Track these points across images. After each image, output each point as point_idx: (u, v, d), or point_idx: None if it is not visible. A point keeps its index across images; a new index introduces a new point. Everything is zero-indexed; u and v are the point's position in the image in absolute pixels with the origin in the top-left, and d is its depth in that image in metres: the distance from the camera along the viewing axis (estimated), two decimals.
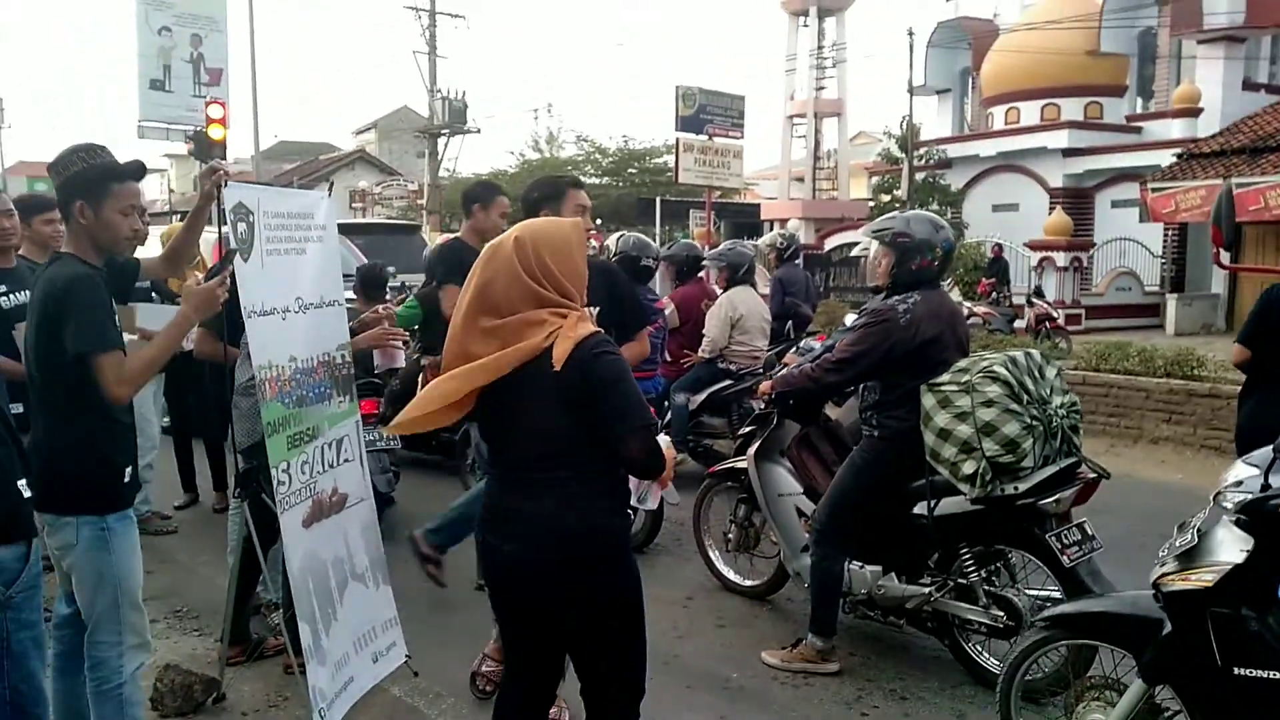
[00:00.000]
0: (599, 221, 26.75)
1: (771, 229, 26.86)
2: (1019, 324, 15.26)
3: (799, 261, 8.54)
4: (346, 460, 3.81)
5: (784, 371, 4.20)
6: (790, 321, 7.89)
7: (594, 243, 8.51)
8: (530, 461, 2.37)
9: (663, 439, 2.57)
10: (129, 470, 2.78)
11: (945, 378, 3.64)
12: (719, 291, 7.08)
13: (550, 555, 2.34)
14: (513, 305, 2.33)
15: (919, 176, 22.01)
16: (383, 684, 3.75)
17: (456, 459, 6.79)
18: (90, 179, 2.70)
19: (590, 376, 2.26)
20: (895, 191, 22.00)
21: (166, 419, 6.56)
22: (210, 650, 4.01)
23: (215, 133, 16.12)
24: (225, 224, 3.16)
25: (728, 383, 6.72)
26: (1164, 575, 2.53)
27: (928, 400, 3.64)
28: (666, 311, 6.85)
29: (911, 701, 3.70)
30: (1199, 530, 2.53)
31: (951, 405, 3.58)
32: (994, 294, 16.74)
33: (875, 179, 25.60)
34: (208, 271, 3.26)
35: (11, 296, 3.93)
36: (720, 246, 7.52)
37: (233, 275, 3.11)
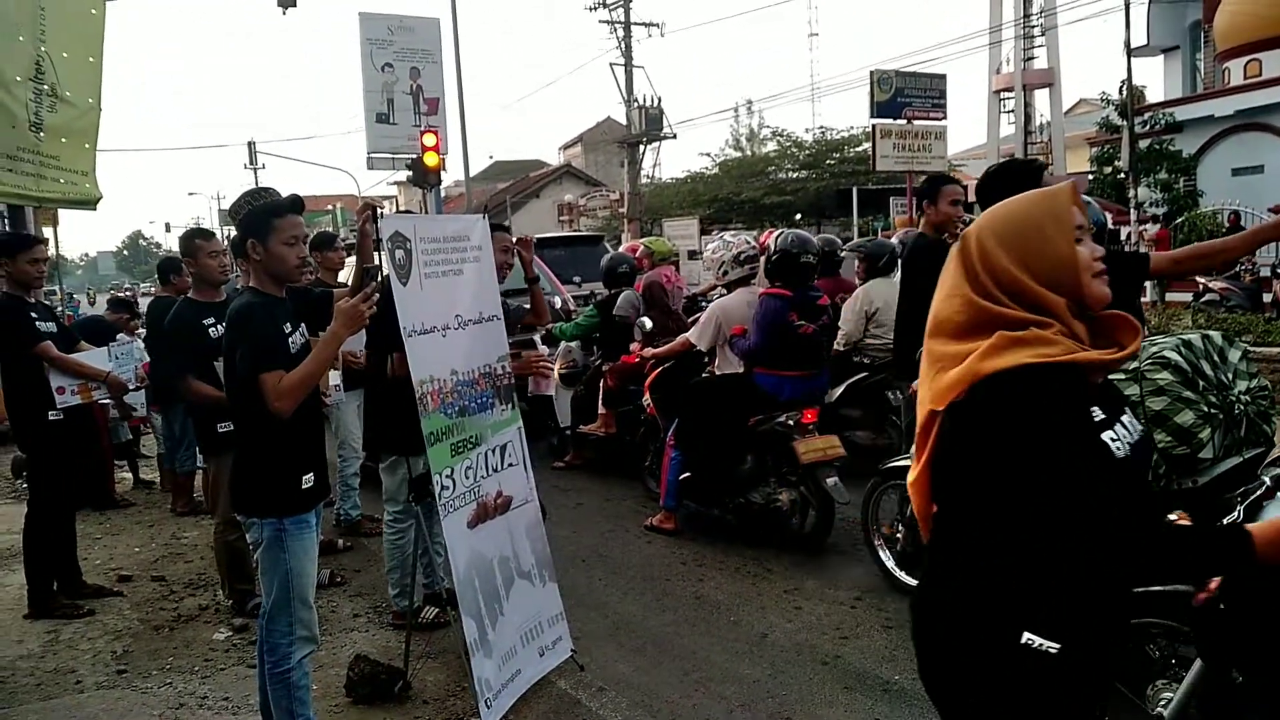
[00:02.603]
0: (798, 216, 26.48)
1: (977, 210, 25.62)
2: (1266, 298, 13.72)
3: None
4: (510, 464, 4.04)
5: None
6: None
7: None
8: None
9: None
10: (307, 478, 3.09)
11: None
12: (857, 284, 6.99)
13: None
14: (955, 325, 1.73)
15: (1143, 144, 20.24)
16: (549, 677, 3.95)
17: (637, 459, 7.01)
18: (256, 218, 3.06)
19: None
20: (1117, 162, 20.34)
21: None
22: (402, 644, 4.36)
23: (430, 160, 17.33)
24: (385, 251, 3.46)
25: (863, 375, 6.60)
26: None
27: None
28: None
29: None
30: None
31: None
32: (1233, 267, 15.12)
33: (1094, 150, 23.78)
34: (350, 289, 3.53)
35: (219, 328, 4.47)
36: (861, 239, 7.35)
37: (384, 292, 3.40)
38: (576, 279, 9.35)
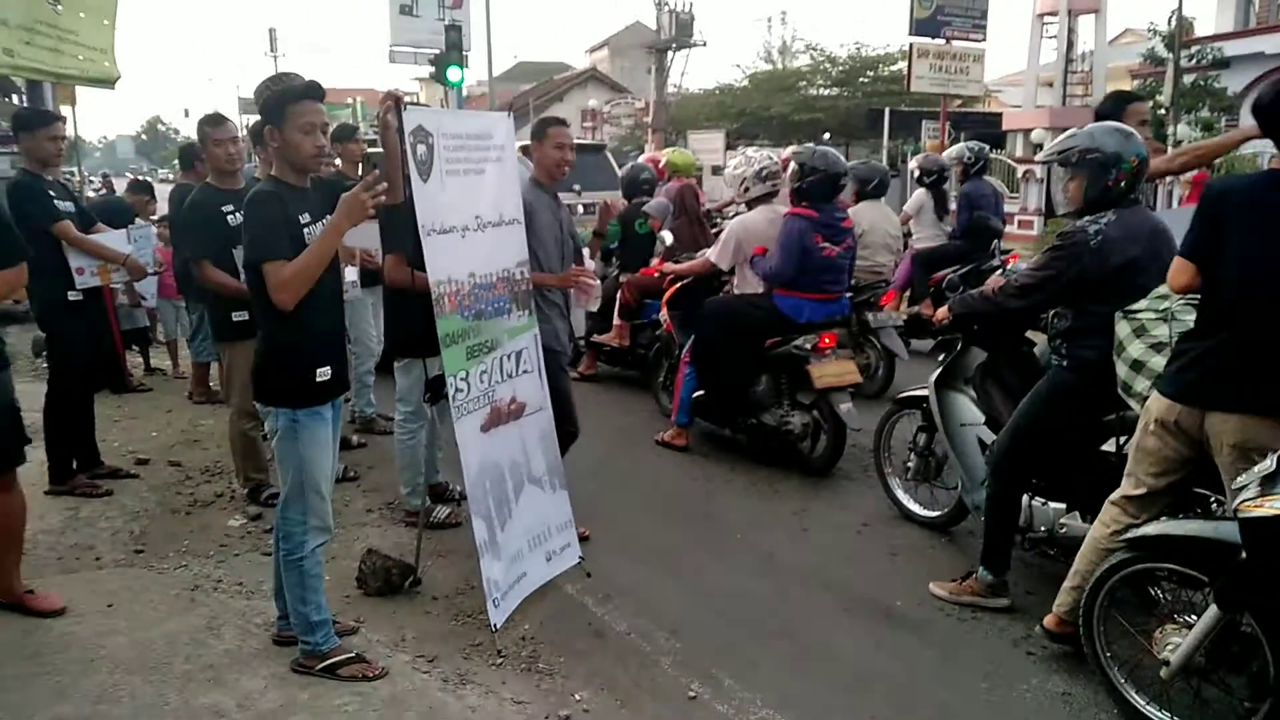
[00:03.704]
0: (826, 135, 25.94)
1: (1010, 139, 25.04)
2: None
3: (987, 175, 8.28)
4: (525, 371, 4.03)
5: (964, 294, 3.98)
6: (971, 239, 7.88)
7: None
8: None
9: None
10: (322, 371, 3.07)
11: (1142, 304, 3.33)
12: (849, 204, 6.94)
13: None
14: None
15: (1188, 79, 19.58)
16: (556, 581, 4.02)
17: (649, 374, 7.02)
18: (272, 104, 2.97)
19: None
20: (1158, 96, 19.72)
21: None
22: (413, 540, 4.43)
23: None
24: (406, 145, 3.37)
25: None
26: (1243, 501, 2.43)
27: (1122, 328, 3.36)
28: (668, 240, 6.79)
29: None
30: None
31: (1147, 334, 3.28)
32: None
33: (1136, 83, 23.05)
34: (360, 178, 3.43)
35: (238, 215, 4.42)
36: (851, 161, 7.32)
37: (409, 199, 3.33)
38: (576, 188, 9.18)
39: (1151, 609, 3.04)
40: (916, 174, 8.55)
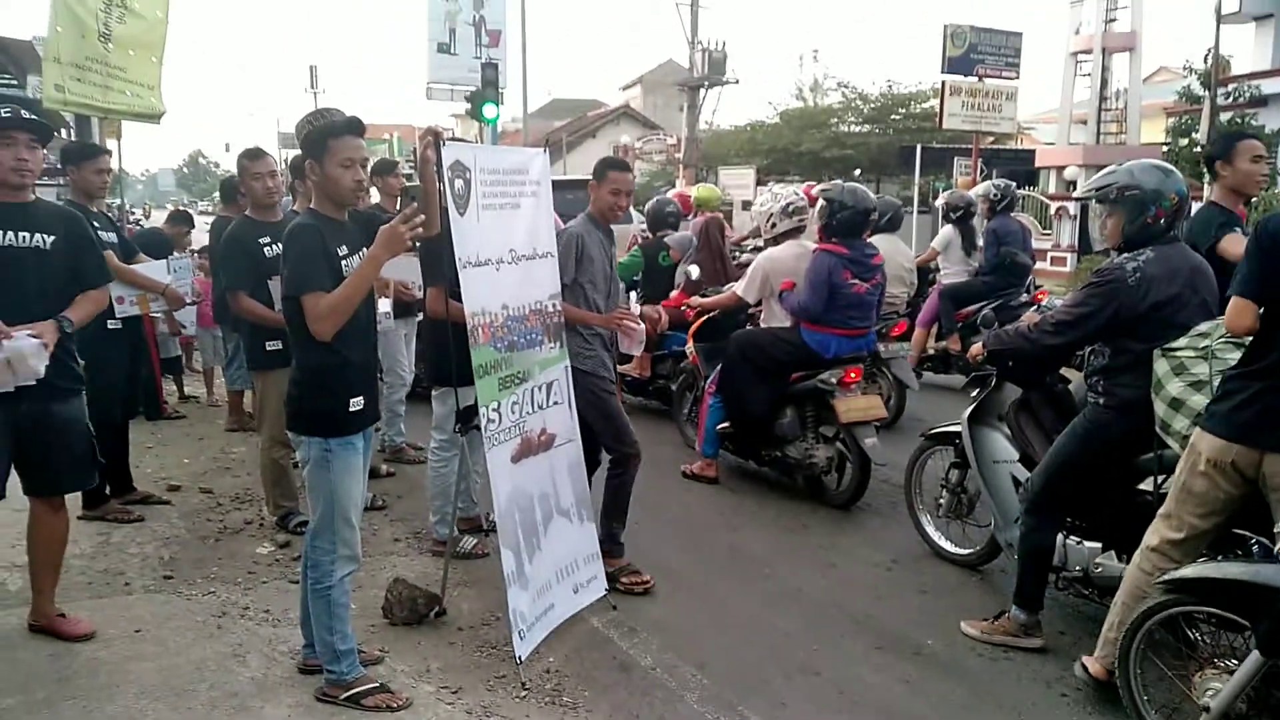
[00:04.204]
0: (858, 171, 25.94)
1: (1043, 177, 24.91)
2: None
3: (1015, 212, 8.35)
4: (555, 403, 4.04)
5: (999, 330, 3.94)
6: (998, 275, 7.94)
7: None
8: None
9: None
10: (355, 401, 3.10)
11: (1182, 342, 3.29)
12: None
13: None
14: None
15: (1225, 117, 19.42)
16: (582, 614, 3.99)
17: (673, 405, 7.01)
18: (313, 139, 3.03)
19: None
20: (1194, 134, 19.56)
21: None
22: (439, 570, 4.42)
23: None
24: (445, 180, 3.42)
25: None
26: None
27: (1160, 366, 3.32)
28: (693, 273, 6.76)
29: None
30: None
31: (1187, 373, 3.24)
32: None
33: (1171, 120, 22.90)
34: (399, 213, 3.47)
35: (275, 247, 4.48)
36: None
37: (446, 227, 3.37)
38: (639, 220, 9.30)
39: (1191, 653, 2.96)
40: (944, 210, 8.58)
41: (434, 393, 4.66)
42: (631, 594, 4.21)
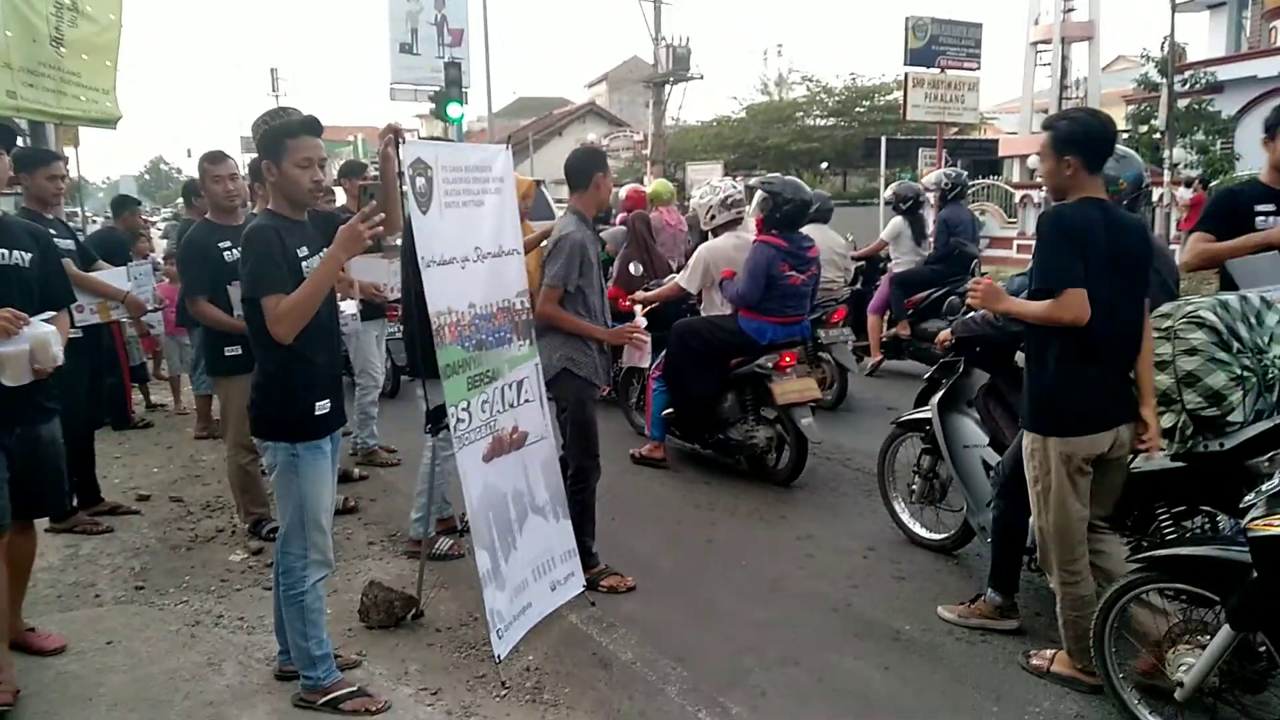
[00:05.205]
0: (824, 165, 26.08)
1: (1007, 166, 25.18)
2: None
3: (978, 201, 8.54)
4: (527, 400, 4.02)
5: (965, 317, 3.98)
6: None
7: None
8: None
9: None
10: (321, 405, 3.06)
11: None
12: None
13: None
14: None
15: (1182, 103, 19.73)
16: (560, 611, 3.97)
17: (617, 396, 7.05)
18: (269, 139, 2.98)
19: None
20: (1153, 121, 19.87)
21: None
22: (414, 572, 4.39)
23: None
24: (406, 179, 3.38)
25: None
26: (1252, 520, 2.44)
27: None
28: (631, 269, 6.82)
29: None
30: None
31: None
32: None
33: (1131, 108, 23.24)
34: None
35: (235, 251, 4.43)
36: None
37: (408, 225, 3.34)
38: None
39: (1160, 630, 3.00)
40: (893, 202, 8.72)
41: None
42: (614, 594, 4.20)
